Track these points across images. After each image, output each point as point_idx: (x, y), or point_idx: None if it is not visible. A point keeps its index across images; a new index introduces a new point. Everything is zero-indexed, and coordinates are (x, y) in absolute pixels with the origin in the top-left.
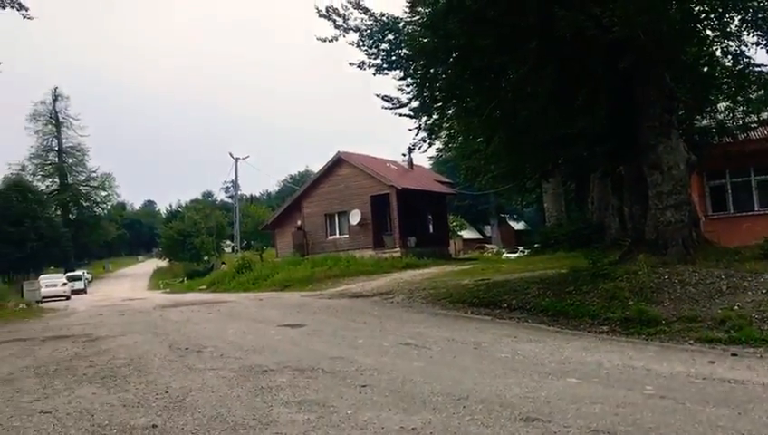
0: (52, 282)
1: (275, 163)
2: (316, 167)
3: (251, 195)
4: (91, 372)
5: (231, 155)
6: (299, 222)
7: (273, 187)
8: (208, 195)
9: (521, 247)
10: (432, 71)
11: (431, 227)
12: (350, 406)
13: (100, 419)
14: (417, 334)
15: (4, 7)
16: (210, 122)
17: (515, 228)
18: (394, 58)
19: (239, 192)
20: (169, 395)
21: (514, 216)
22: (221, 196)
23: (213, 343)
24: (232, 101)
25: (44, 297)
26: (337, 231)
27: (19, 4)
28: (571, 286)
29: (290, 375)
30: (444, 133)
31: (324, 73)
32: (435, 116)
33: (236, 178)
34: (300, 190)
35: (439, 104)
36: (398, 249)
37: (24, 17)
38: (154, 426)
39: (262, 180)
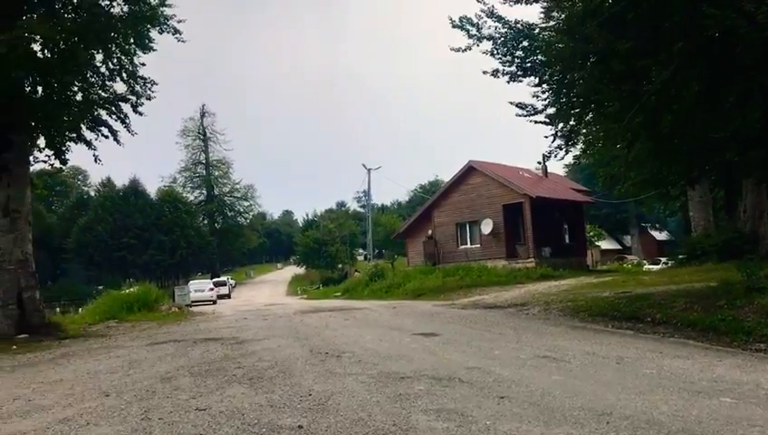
0: (200, 287)
1: (406, 173)
2: (446, 176)
3: (382, 204)
4: (240, 373)
5: (364, 166)
6: (430, 231)
7: (403, 196)
8: (342, 205)
9: (664, 259)
10: (569, 76)
11: (567, 236)
12: (488, 416)
13: (249, 417)
14: (555, 347)
15: (161, 32)
16: (344, 134)
17: (657, 238)
18: (529, 65)
19: (371, 202)
20: (312, 398)
21: (656, 225)
22: (353, 205)
23: (351, 349)
24: (364, 113)
25: (193, 301)
26: (468, 241)
27: (174, 29)
28: (722, 300)
29: (427, 383)
30: (581, 140)
31: (453, 84)
32: (572, 122)
33: (369, 188)
34: (430, 200)
35: (577, 110)
36: (532, 260)
37: (178, 41)
38: (300, 427)
39: (392, 190)
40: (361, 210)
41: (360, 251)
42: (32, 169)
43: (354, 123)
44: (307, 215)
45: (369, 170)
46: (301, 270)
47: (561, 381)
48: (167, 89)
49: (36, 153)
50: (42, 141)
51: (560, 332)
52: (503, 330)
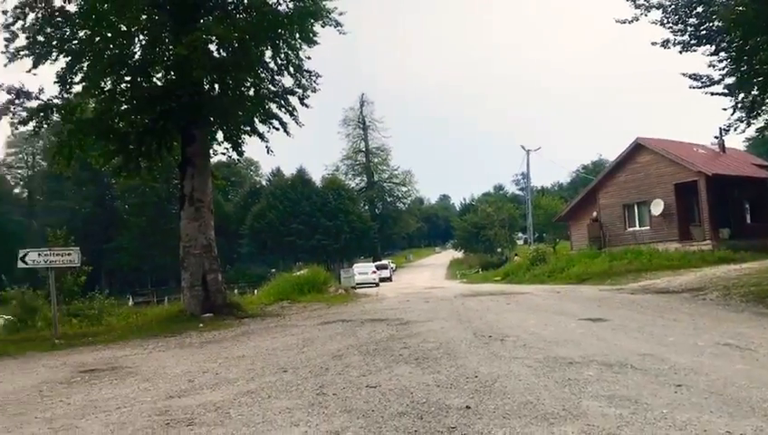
0: (363, 270)
1: (567, 153)
2: (610, 155)
3: (542, 186)
4: (406, 353)
5: (522, 147)
6: (594, 214)
7: (564, 177)
8: (499, 188)
9: None
10: (751, 42)
11: (749, 216)
12: (664, 405)
13: (418, 396)
14: (737, 335)
15: (324, 26)
16: (501, 116)
17: None
18: (704, 32)
19: (530, 184)
20: (479, 379)
21: None
22: (512, 188)
23: (515, 333)
24: (521, 94)
25: (357, 283)
26: (636, 222)
27: (336, 21)
28: None
29: (596, 369)
30: (765, 110)
31: (616, 59)
32: (754, 92)
33: (528, 170)
34: (595, 180)
35: (760, 78)
36: (709, 242)
37: (340, 33)
38: (467, 407)
39: (553, 171)
40: (520, 193)
41: (520, 235)
42: (212, 161)
43: (512, 104)
44: (464, 199)
45: (527, 151)
46: (459, 254)
47: (745, 370)
48: (328, 78)
49: (215, 146)
50: (220, 135)
51: (742, 318)
52: (677, 316)
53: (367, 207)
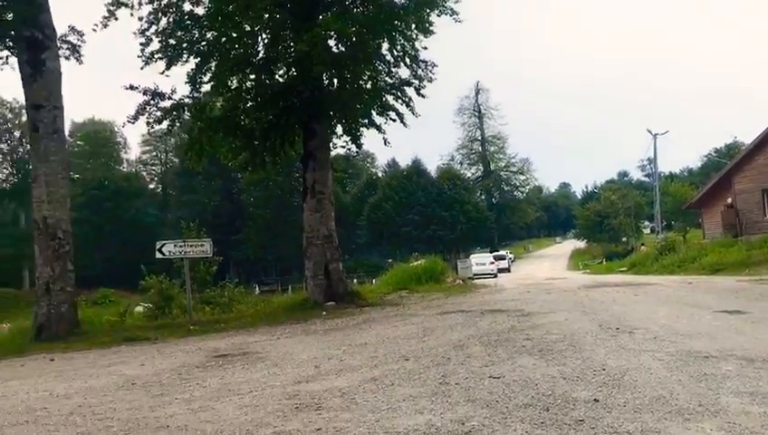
0: (481, 260)
1: (696, 137)
2: (745, 138)
3: (670, 172)
4: (529, 345)
5: (649, 131)
6: (729, 200)
7: (694, 162)
8: (624, 174)
9: None
10: None
11: None
12: None
13: (543, 388)
14: None
15: (439, 15)
16: (622, 101)
17: None
18: None
19: (657, 170)
20: (606, 372)
21: None
22: (637, 175)
23: (643, 325)
24: (646, 73)
25: (475, 274)
26: None
27: (452, 10)
28: None
29: (736, 364)
30: None
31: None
32: None
33: (655, 155)
34: (730, 164)
35: None
36: None
37: (456, 21)
38: (596, 400)
39: (681, 156)
40: (646, 180)
41: (646, 223)
42: (331, 154)
43: (637, 87)
44: (586, 187)
45: (654, 136)
46: (581, 244)
47: None
48: (443, 67)
49: (335, 140)
50: (339, 129)
51: None
52: None
53: (483, 197)
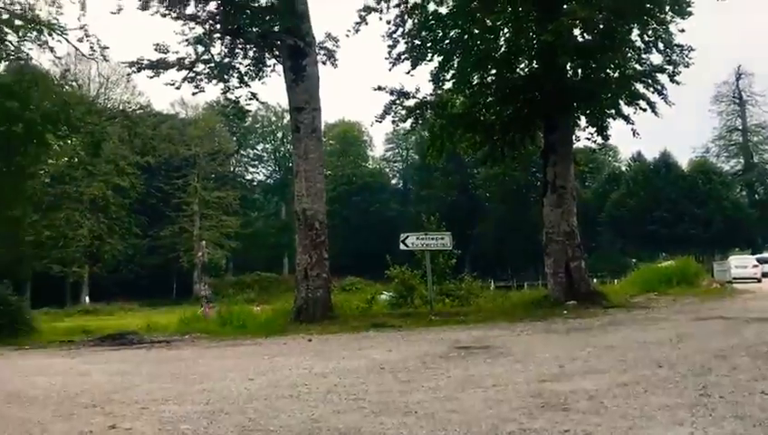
0: (741, 263)
1: None
2: None
3: None
4: None
5: None
6: None
7: None
8: None
9: None
10: None
11: None
12: None
13: None
14: None
15: None
16: None
17: None
18: None
19: None
20: None
21: None
22: None
23: None
24: None
25: (734, 278)
26: None
27: None
28: None
29: None
30: None
31: None
32: None
33: None
34: None
35: None
36: None
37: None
38: None
39: None
40: None
41: None
42: (573, 147)
43: None
44: None
45: None
46: None
47: None
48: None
49: (578, 132)
50: (583, 121)
51: None
52: None
53: (744, 193)
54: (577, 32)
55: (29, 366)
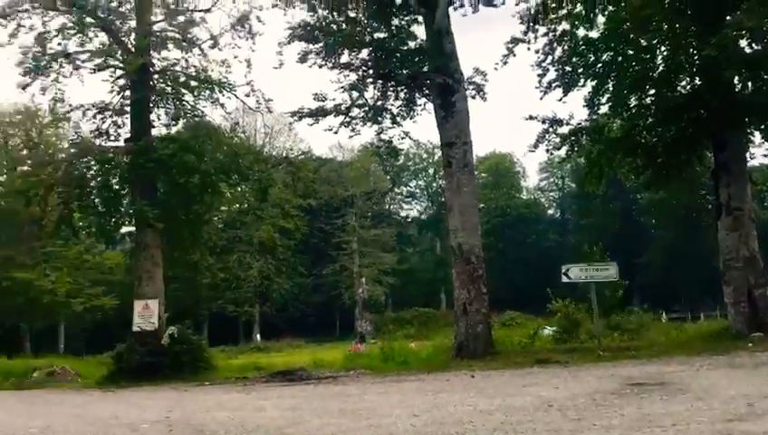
0: None
1: None
2: None
3: None
4: None
5: None
6: None
7: None
8: None
9: None
10: None
11: None
12: None
13: None
14: None
15: None
16: None
17: None
18: None
19: None
20: None
21: None
22: None
23: None
24: None
25: None
26: None
27: None
28: None
29: None
30: None
31: None
32: None
33: None
34: None
35: None
36: None
37: None
38: None
39: None
40: None
41: None
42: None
43: None
44: None
45: None
46: None
47: None
48: None
49: (753, 149)
50: (756, 137)
51: None
52: None
53: None
54: (743, 42)
55: (210, 401)
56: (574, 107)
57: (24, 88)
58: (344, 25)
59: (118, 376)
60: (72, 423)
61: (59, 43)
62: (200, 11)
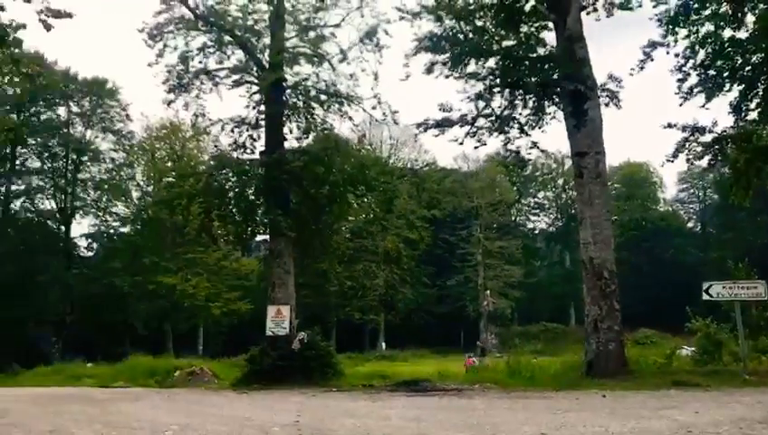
0: None
1: None
2: None
3: None
4: None
5: None
6: None
7: None
8: None
9: None
10: None
11: None
12: None
13: None
14: None
15: None
16: None
17: None
18: None
19: None
20: None
21: None
22: None
23: None
24: None
25: None
26: None
27: None
28: None
29: None
30: None
31: None
32: None
33: None
34: None
35: None
36: None
37: None
38: None
39: None
40: None
41: None
42: None
43: None
44: None
45: None
46: None
47: None
48: None
49: None
50: None
51: None
52: None
53: None
54: None
55: (337, 407)
56: (718, 113)
57: (168, 104)
58: (471, 34)
59: (250, 378)
60: (209, 423)
61: (200, 62)
62: (330, 26)
